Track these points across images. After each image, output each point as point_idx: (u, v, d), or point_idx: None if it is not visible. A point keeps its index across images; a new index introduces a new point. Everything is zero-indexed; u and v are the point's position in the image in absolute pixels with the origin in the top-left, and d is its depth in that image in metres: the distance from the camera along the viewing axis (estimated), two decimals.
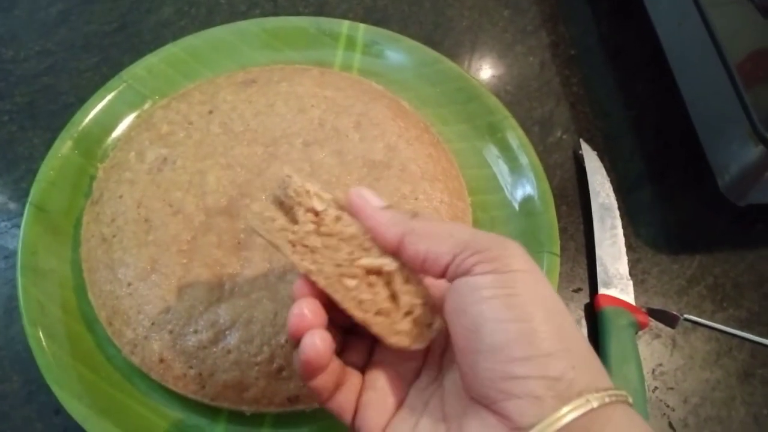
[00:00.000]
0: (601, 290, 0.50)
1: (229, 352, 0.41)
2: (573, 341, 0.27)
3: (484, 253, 0.28)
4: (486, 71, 0.62)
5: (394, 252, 0.30)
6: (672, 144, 0.59)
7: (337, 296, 0.30)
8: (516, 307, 0.26)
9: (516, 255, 0.28)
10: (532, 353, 0.26)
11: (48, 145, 0.50)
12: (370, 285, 0.30)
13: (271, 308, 0.42)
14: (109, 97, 0.53)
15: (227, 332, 0.42)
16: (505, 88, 0.61)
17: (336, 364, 0.31)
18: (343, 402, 0.32)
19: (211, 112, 0.51)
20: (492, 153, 0.54)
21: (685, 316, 0.51)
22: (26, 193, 0.48)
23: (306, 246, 0.30)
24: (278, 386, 0.41)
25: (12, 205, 0.52)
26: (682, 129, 0.57)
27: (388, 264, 0.30)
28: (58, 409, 0.43)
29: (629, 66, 0.63)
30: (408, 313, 0.30)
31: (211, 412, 0.43)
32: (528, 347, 0.26)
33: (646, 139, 0.59)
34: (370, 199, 0.31)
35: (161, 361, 0.42)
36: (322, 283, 0.30)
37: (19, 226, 0.47)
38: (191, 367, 0.41)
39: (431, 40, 0.61)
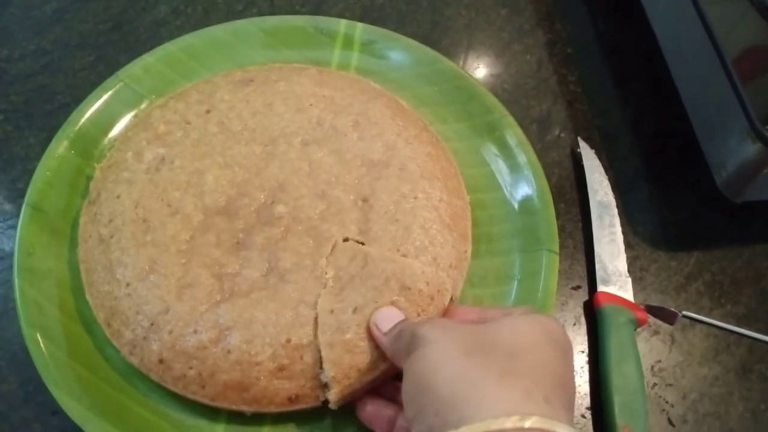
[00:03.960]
0: (600, 288, 0.50)
1: (229, 352, 0.41)
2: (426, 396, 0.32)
3: None
4: (483, 70, 0.62)
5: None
6: (669, 142, 0.59)
7: None
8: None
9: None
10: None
11: (44, 144, 0.50)
12: None
13: (272, 308, 0.42)
14: (105, 96, 0.52)
15: (227, 332, 0.41)
16: (503, 87, 0.61)
17: None
18: None
19: (208, 111, 0.51)
20: (490, 151, 0.54)
21: (684, 312, 0.51)
22: (22, 194, 0.48)
23: None
24: (279, 386, 0.41)
25: (8, 206, 0.52)
26: (679, 127, 0.57)
27: None
28: (56, 410, 0.42)
29: (626, 64, 0.63)
30: None
31: (211, 412, 0.43)
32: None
33: (643, 137, 0.59)
34: (379, 324, 0.41)
35: (161, 361, 0.42)
36: None
37: (14, 227, 0.47)
38: (191, 368, 0.41)
39: (429, 39, 0.61)
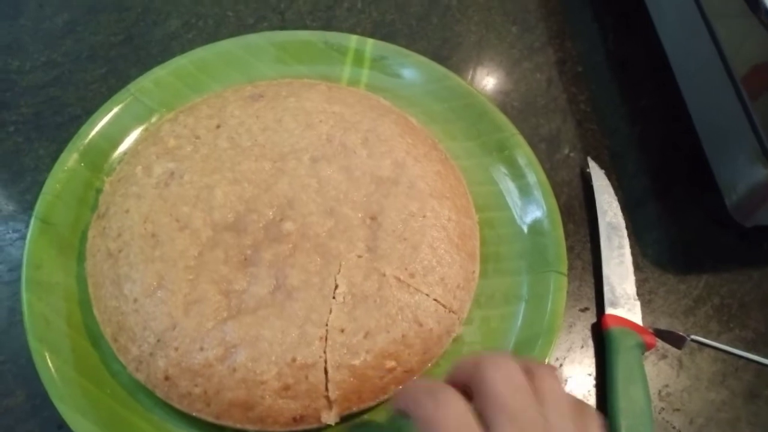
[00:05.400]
0: (608, 310, 0.50)
1: (235, 370, 0.41)
2: None
3: None
4: (493, 87, 0.62)
5: None
6: (679, 161, 0.59)
7: None
8: None
9: None
10: None
11: (54, 156, 0.50)
12: None
13: (279, 326, 0.42)
14: (115, 109, 0.53)
15: (233, 350, 0.41)
16: (512, 105, 0.61)
17: None
18: None
19: (218, 126, 0.51)
20: (499, 170, 0.54)
21: (692, 336, 0.51)
22: (31, 205, 0.48)
23: None
24: (284, 405, 0.41)
25: (18, 217, 0.52)
26: (689, 145, 0.57)
27: None
28: (62, 424, 0.42)
29: (636, 82, 0.63)
30: None
31: (216, 430, 0.42)
32: None
33: (652, 156, 0.59)
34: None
35: (166, 378, 0.42)
36: None
37: (24, 238, 0.47)
38: (196, 385, 0.41)
39: (439, 56, 0.61)
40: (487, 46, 0.64)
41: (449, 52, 0.63)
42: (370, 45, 0.58)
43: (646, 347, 0.48)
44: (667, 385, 0.49)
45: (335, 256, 0.45)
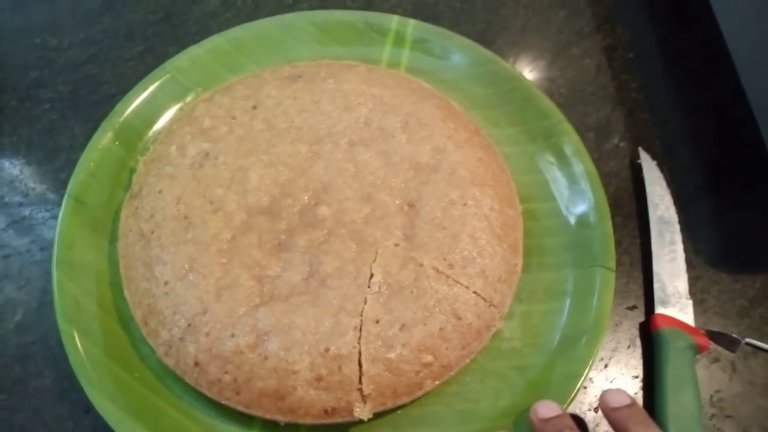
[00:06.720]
0: (659, 309, 0.47)
1: (266, 358, 0.40)
2: None
3: None
4: (539, 73, 0.59)
5: None
6: (735, 154, 0.56)
7: None
8: None
9: None
10: None
11: (89, 135, 0.49)
12: None
13: (312, 314, 0.41)
14: (151, 88, 0.52)
15: (265, 338, 0.40)
16: (559, 91, 0.58)
17: None
18: None
19: (254, 107, 0.49)
20: (545, 159, 0.51)
21: (747, 339, 0.48)
22: (65, 184, 0.47)
23: None
24: (316, 396, 0.40)
25: (51, 196, 0.51)
26: (746, 139, 0.54)
27: None
28: (89, 408, 0.41)
29: (690, 70, 0.60)
30: None
31: (245, 419, 0.41)
32: None
33: (707, 148, 0.56)
34: (537, 411, 0.41)
35: (196, 364, 0.40)
36: None
37: (56, 217, 0.46)
38: (226, 373, 0.40)
39: (483, 39, 0.59)
40: (534, 30, 0.61)
41: (494, 35, 0.61)
42: (412, 26, 0.56)
43: (698, 349, 0.45)
44: (719, 391, 0.47)
45: (371, 243, 0.44)
